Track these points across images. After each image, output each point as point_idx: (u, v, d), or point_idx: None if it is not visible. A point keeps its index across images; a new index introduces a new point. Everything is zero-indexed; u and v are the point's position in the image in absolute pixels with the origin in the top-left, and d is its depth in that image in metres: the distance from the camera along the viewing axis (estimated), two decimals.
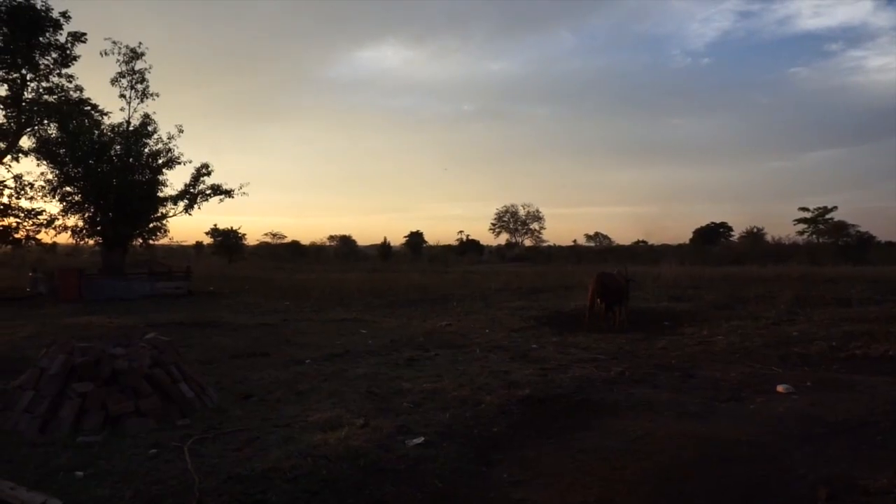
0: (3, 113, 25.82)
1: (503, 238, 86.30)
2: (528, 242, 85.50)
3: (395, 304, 19.97)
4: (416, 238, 77.62)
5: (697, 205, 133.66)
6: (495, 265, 56.31)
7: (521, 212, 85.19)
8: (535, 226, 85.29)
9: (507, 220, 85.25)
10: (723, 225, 71.96)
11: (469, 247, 77.74)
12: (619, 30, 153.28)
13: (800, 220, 62.44)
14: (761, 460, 4.99)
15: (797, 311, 15.16)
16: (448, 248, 79.17)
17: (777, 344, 10.89)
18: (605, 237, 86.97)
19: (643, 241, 77.87)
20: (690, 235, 73.76)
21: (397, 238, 77.70)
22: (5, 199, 26.27)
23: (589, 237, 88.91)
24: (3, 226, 26.18)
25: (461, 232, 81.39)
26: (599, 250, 75.30)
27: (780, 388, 7.43)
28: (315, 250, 73.67)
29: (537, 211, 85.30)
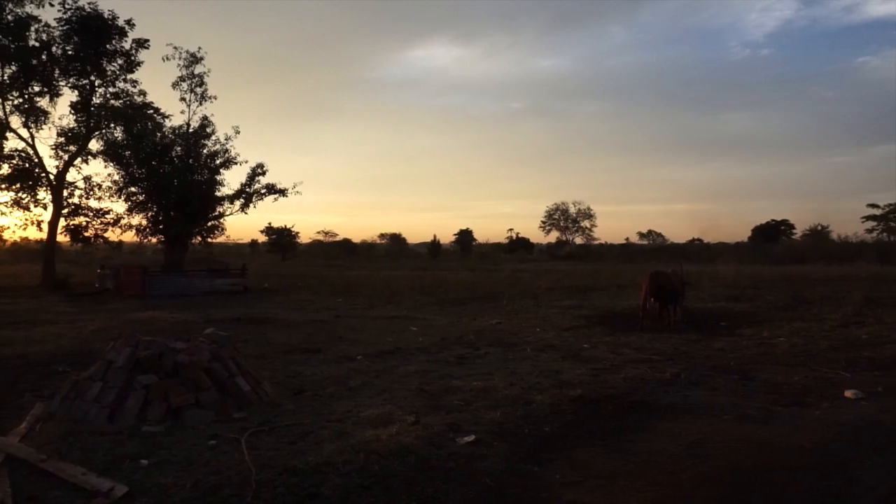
0: (74, 118, 27.22)
1: (553, 236, 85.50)
2: (578, 240, 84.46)
3: (445, 301, 20.03)
4: (465, 236, 77.71)
5: (756, 202, 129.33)
6: (545, 263, 55.78)
7: (572, 209, 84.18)
8: (586, 223, 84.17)
9: (558, 217, 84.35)
10: (784, 222, 69.30)
11: (519, 245, 77.31)
12: (672, 23, 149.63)
13: (869, 217, 59.58)
14: (827, 470, 4.76)
15: (866, 313, 14.44)
16: (497, 246, 78.98)
17: (844, 347, 10.39)
18: (659, 235, 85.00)
19: (698, 240, 75.82)
20: (749, 233, 71.45)
21: (447, 236, 78.14)
22: (76, 200, 27.73)
23: (642, 235, 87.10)
24: (74, 225, 27.60)
25: (511, 230, 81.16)
26: (652, 249, 73.67)
27: (847, 394, 7.08)
28: (366, 248, 74.74)
29: (588, 208, 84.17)
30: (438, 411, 6.30)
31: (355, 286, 26.04)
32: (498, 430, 5.69)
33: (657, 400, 6.90)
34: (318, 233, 76.49)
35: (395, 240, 79.56)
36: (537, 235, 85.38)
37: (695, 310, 15.23)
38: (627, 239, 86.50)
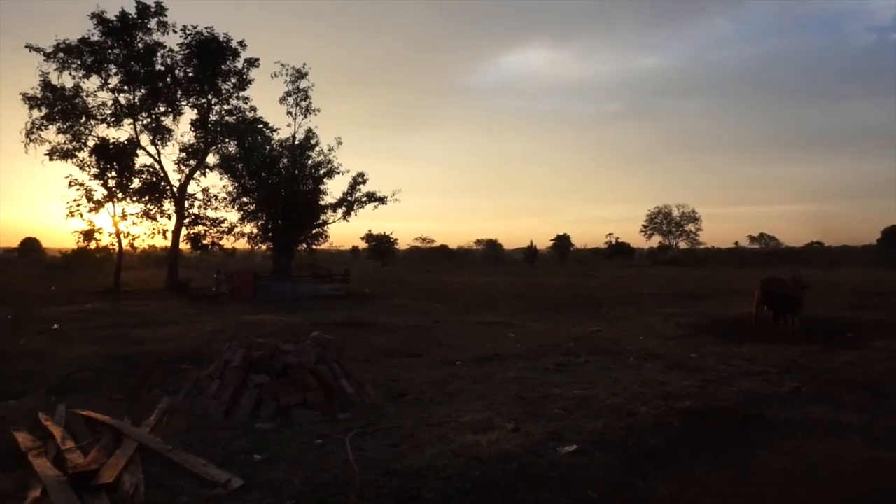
0: (194, 134, 29.46)
1: (655, 241, 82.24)
2: (682, 245, 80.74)
3: (542, 308, 19.76)
4: (562, 241, 76.34)
5: (886, 201, 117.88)
6: (647, 269, 53.74)
7: (675, 212, 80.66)
8: (690, 227, 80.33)
9: (660, 221, 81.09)
10: None
11: (618, 250, 74.99)
12: (783, 11, 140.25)
13: None
14: None
15: None
16: (596, 251, 77.10)
17: None
18: (772, 238, 79.71)
19: (818, 243, 70.34)
20: (878, 236, 65.35)
21: (543, 241, 77.17)
22: (196, 210, 29.95)
23: (752, 239, 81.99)
24: (194, 233, 29.81)
25: (610, 234, 78.83)
26: (765, 253, 69.16)
27: None
28: (462, 254, 75.27)
29: (693, 211, 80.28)
30: (538, 419, 6.21)
31: (452, 292, 26.28)
32: (600, 440, 5.52)
33: (775, 415, 6.43)
34: (416, 239, 77.88)
35: (492, 246, 79.60)
36: (638, 240, 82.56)
37: (814, 319, 14.08)
38: (736, 243, 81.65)
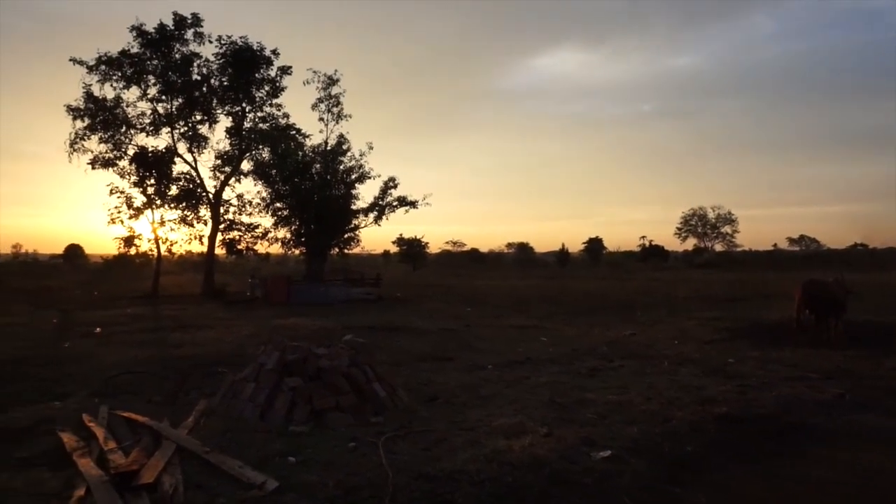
0: (229, 142, 30.06)
1: (690, 243, 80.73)
2: (718, 247, 79.07)
3: (575, 311, 19.59)
4: (594, 244, 75.54)
5: None
6: (682, 272, 52.79)
7: (711, 214, 79.07)
8: (726, 229, 78.63)
9: (695, 223, 79.61)
10: None
11: (652, 252, 73.87)
12: (826, 6, 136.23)
13: None
14: None
15: None
16: (629, 254, 76.09)
17: None
18: (813, 240, 77.67)
19: (861, 245, 68.20)
20: None
21: (575, 244, 76.45)
22: (231, 216, 30.53)
23: (792, 241, 79.97)
24: (229, 238, 30.38)
25: (643, 237, 77.70)
26: (805, 255, 67.33)
27: None
28: (493, 257, 75.08)
29: (729, 213, 78.59)
30: (571, 424, 6.15)
31: (484, 295, 26.23)
32: (635, 446, 5.44)
33: (818, 423, 6.25)
34: (447, 243, 78.04)
35: (523, 249, 79.23)
36: (672, 243, 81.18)
37: (858, 323, 13.63)
38: (775, 245, 79.85)
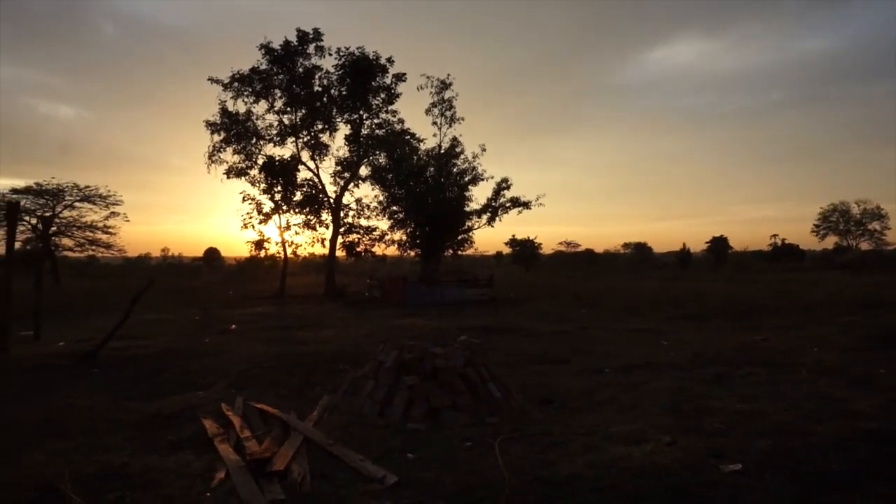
0: (348, 148, 31.53)
1: (830, 241, 73.71)
2: (864, 246, 71.54)
3: (697, 314, 18.56)
4: (719, 243, 71.06)
5: None
6: (820, 273, 48.42)
7: (855, 209, 71.70)
8: (874, 226, 70.95)
9: (836, 220, 72.57)
10: None
11: (784, 252, 68.35)
12: None
13: None
14: None
15: None
16: (758, 254, 70.93)
17: None
18: None
19: None
20: None
21: (697, 244, 72.43)
22: (350, 219, 31.98)
23: None
24: (348, 241, 31.85)
25: (774, 236, 71.99)
26: None
27: None
28: (609, 258, 72.92)
29: (877, 208, 70.81)
30: (696, 434, 5.82)
31: (599, 297, 25.54)
32: (768, 460, 5.05)
33: None
34: (560, 243, 76.72)
35: (640, 249, 76.22)
36: (808, 241, 74.70)
37: None
38: None
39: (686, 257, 66.53)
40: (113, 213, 40.14)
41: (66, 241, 40.00)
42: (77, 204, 39.52)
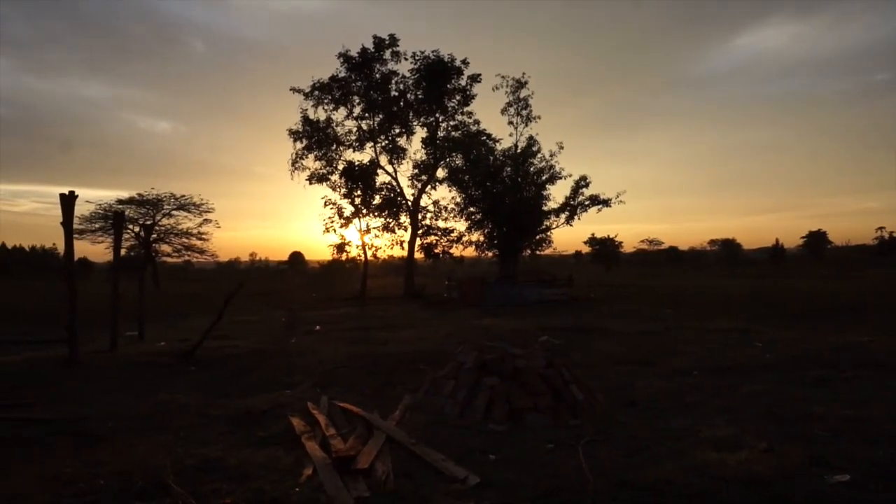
0: (425, 151, 31.94)
1: None
2: None
3: (793, 314, 17.48)
4: (816, 238, 66.81)
5: None
6: None
7: None
8: None
9: None
10: None
11: (891, 246, 63.29)
12: None
13: None
14: None
15: None
16: (861, 248, 66.13)
17: None
18: None
19: None
20: None
21: (791, 239, 68.45)
22: (427, 221, 32.36)
23: None
24: (426, 243, 32.25)
25: (881, 229, 66.86)
26: None
27: None
28: (694, 256, 70.11)
29: None
30: (796, 440, 5.46)
31: (684, 296, 24.57)
32: (879, 472, 4.66)
33: None
34: (642, 242, 74.46)
35: (728, 246, 72.76)
36: None
37: None
38: None
39: (779, 253, 62.94)
40: (206, 220, 42.52)
41: (165, 248, 42.70)
42: (174, 212, 42.15)
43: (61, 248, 12.71)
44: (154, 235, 40.98)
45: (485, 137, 31.39)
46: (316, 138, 31.26)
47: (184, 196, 42.17)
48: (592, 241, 61.98)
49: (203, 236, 43.29)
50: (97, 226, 39.91)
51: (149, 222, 41.08)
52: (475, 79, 30.82)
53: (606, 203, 29.17)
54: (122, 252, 23.85)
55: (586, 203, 29.43)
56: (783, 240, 65.66)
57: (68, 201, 10.71)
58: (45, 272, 56.57)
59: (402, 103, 31.13)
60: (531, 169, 29.84)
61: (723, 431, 5.69)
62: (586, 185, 29.43)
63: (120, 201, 41.11)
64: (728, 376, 8.74)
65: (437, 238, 32.34)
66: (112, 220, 21.55)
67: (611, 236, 61.15)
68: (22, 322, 18.48)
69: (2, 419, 6.52)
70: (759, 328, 14.47)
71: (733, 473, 4.54)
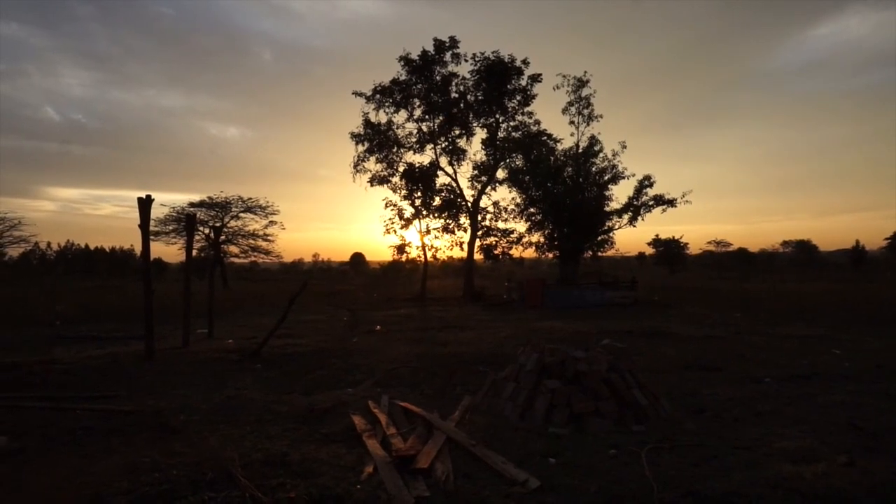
0: (485, 152, 31.92)
1: None
2: None
3: (878, 320, 16.46)
4: None
5: None
6: None
7: None
8: None
9: None
10: None
11: None
12: None
13: None
14: None
15: None
16: None
17: None
18: None
19: None
20: None
21: (874, 241, 64.46)
22: (487, 223, 32.31)
23: None
24: (486, 244, 32.18)
25: None
26: None
27: None
28: (765, 258, 67.17)
29: None
30: (881, 454, 5.13)
31: (755, 300, 23.55)
32: None
33: None
34: (709, 243, 71.85)
35: (803, 247, 69.32)
36: None
37: None
38: None
39: (860, 256, 59.47)
40: (271, 221, 44.16)
41: (233, 249, 44.41)
42: (241, 214, 43.79)
43: (139, 249, 13.44)
44: (223, 237, 42.75)
45: (545, 137, 31.07)
46: (377, 141, 31.73)
47: (251, 199, 43.88)
48: (657, 242, 60.32)
49: (268, 237, 44.89)
50: (170, 228, 41.98)
51: (218, 224, 42.87)
52: (535, 79, 30.54)
53: (671, 203, 28.31)
54: (194, 253, 24.91)
55: (650, 203, 28.65)
56: (864, 241, 61.87)
57: (145, 205, 11.25)
58: (125, 272, 59.82)
59: (462, 105, 31.20)
60: (593, 169, 29.30)
61: (798, 442, 5.41)
62: (650, 185, 28.66)
63: (191, 204, 43.17)
64: (804, 385, 8.32)
65: (496, 239, 32.23)
66: (185, 222, 22.59)
67: (676, 237, 59.38)
68: (104, 319, 19.58)
69: (89, 409, 6.93)
70: (838, 335, 13.71)
71: (810, 487, 4.31)
